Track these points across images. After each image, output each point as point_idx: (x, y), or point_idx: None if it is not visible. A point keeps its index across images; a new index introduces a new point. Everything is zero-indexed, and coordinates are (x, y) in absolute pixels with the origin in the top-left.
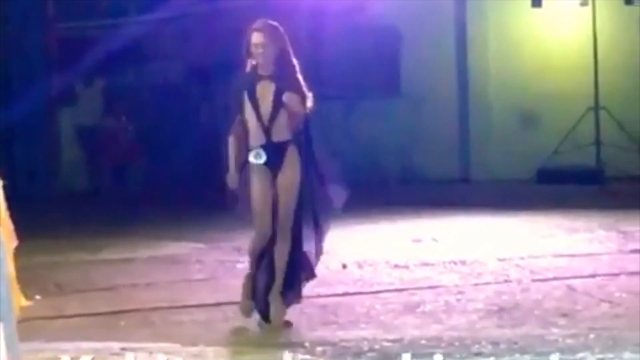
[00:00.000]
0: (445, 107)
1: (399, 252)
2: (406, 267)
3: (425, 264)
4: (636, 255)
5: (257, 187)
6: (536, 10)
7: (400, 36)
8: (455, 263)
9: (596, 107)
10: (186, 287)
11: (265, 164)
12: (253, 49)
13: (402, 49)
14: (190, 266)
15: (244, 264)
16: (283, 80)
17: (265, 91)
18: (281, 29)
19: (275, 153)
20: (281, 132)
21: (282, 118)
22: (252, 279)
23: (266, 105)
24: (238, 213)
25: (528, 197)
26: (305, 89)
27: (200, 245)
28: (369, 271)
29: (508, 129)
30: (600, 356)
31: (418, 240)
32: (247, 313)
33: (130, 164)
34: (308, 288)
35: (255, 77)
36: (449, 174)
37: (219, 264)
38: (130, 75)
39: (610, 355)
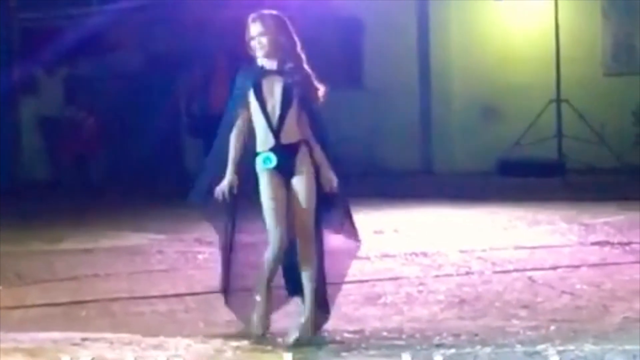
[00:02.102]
0: (408, 98)
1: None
2: (367, 258)
3: (387, 256)
4: (597, 248)
5: (271, 189)
6: (499, 2)
7: (362, 28)
8: (416, 255)
9: (558, 100)
10: (147, 278)
11: (276, 168)
12: (252, 43)
13: (365, 41)
14: (151, 257)
15: (205, 255)
16: (291, 74)
17: (273, 87)
18: (282, 17)
19: (286, 156)
20: (291, 133)
21: (292, 117)
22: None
23: (274, 103)
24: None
25: (490, 189)
26: (315, 81)
27: (161, 237)
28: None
29: (470, 121)
30: (561, 348)
31: (379, 232)
32: (262, 330)
33: (92, 154)
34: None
35: (260, 72)
36: (411, 165)
37: (180, 255)
38: (93, 66)
39: (571, 347)
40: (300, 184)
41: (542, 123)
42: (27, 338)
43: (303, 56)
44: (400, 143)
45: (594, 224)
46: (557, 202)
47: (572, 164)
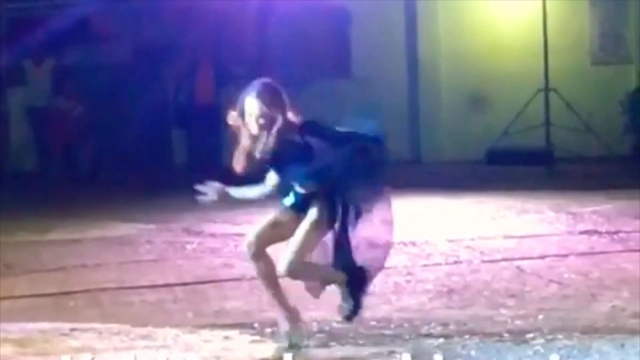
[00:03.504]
0: (395, 88)
1: None
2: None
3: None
4: (585, 237)
5: (278, 213)
6: None
7: (350, 17)
8: (405, 244)
9: (546, 89)
10: (136, 268)
11: (293, 207)
12: (248, 119)
13: (352, 30)
14: (140, 247)
15: (193, 245)
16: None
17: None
18: (277, 87)
19: (302, 201)
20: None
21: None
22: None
23: (280, 166)
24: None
25: (478, 178)
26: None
27: (150, 226)
28: None
29: (458, 110)
30: (549, 337)
31: None
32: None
33: (80, 144)
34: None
35: None
36: (399, 154)
37: (168, 245)
38: (80, 56)
39: (559, 336)
40: (304, 221)
41: (530, 112)
42: (16, 328)
43: (289, 113)
44: (388, 132)
45: (582, 213)
46: (545, 191)
47: (560, 153)
